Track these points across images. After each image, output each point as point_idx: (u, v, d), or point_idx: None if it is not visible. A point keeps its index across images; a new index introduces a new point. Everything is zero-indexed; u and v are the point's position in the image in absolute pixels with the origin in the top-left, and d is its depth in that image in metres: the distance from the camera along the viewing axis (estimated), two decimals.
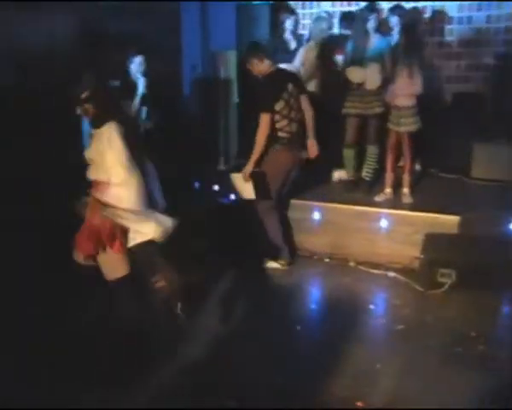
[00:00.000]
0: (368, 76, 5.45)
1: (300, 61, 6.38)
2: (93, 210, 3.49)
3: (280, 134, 4.86)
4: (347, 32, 5.94)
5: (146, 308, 3.78)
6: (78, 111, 3.44)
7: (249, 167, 4.90)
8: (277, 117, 4.81)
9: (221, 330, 3.99)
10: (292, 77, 5.04)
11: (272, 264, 5.11)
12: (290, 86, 4.86)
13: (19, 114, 5.34)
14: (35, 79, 6.39)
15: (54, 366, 3.46)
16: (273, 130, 4.83)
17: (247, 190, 4.98)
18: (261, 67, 4.89)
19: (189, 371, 3.49)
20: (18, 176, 4.83)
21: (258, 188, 4.92)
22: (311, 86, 6.41)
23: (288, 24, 6.72)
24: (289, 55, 6.75)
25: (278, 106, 4.79)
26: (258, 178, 4.91)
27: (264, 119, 4.75)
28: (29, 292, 4.14)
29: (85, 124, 6.71)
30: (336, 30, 6.62)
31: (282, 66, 5.24)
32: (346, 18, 6.18)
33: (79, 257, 3.61)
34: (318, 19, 6.54)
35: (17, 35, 6.22)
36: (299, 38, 6.96)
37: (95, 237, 3.50)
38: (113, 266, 3.58)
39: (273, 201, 5.03)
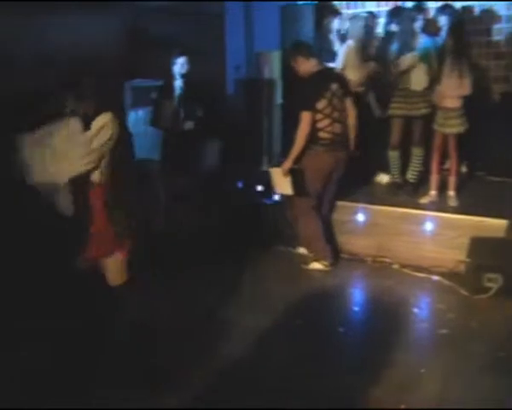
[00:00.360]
0: (413, 77, 5.39)
1: (341, 62, 6.37)
2: (97, 214, 3.33)
3: (321, 134, 4.82)
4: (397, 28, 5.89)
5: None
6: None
7: (288, 164, 4.88)
8: (319, 116, 4.77)
9: (263, 330, 4.01)
10: (337, 77, 5.02)
11: (315, 265, 5.10)
12: (334, 86, 4.82)
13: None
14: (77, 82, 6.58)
15: (92, 368, 3.48)
16: (315, 129, 4.78)
17: (285, 186, 4.97)
18: (306, 65, 4.87)
19: (230, 370, 3.52)
20: None
21: (296, 186, 4.90)
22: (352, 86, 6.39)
23: (334, 24, 6.70)
24: (334, 56, 6.74)
25: (320, 105, 4.75)
26: (297, 176, 4.88)
27: (305, 117, 4.72)
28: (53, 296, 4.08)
29: None
30: (382, 28, 6.54)
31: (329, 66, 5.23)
32: (395, 14, 6.11)
33: (82, 262, 3.43)
34: (355, 17, 6.50)
35: (59, 38, 6.40)
36: (343, 39, 6.92)
37: (100, 242, 3.35)
38: (120, 270, 3.45)
39: (312, 201, 4.99)
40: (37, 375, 3.40)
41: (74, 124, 3.22)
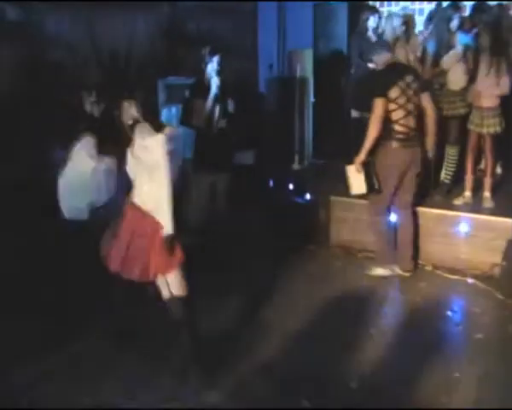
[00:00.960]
0: (451, 76, 5.33)
1: None
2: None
3: (396, 127, 4.56)
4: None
5: None
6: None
7: (362, 156, 4.62)
8: (392, 106, 4.52)
9: (296, 329, 4.01)
10: (412, 71, 4.80)
11: (378, 271, 4.92)
12: (409, 78, 4.57)
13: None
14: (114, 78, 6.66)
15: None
16: (388, 121, 4.54)
17: (358, 183, 4.70)
18: (381, 58, 4.71)
19: (265, 370, 3.53)
20: None
21: (370, 183, 4.66)
22: None
23: (371, 22, 6.65)
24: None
25: (393, 93, 4.50)
26: (371, 172, 4.65)
27: (377, 103, 4.49)
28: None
29: None
30: (420, 28, 6.45)
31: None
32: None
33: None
34: (390, 16, 6.43)
35: (98, 35, 6.50)
36: (380, 37, 6.86)
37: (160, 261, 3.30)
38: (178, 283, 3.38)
39: (386, 202, 4.80)
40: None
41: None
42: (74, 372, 3.52)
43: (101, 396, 3.27)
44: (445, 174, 5.66)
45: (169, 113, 6.89)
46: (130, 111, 3.28)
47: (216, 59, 4.97)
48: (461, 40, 5.30)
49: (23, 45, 5.85)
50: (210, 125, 4.89)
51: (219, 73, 4.95)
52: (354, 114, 6.88)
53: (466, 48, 5.25)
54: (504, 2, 6.64)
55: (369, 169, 4.66)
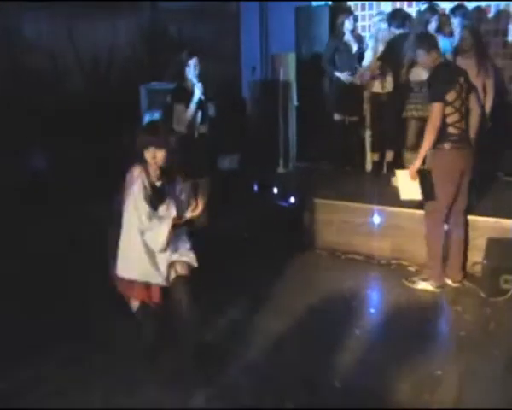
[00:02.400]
0: None
1: (368, 63, 6.43)
2: None
3: (451, 130, 4.40)
4: (399, 30, 5.88)
5: None
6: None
7: (418, 162, 4.42)
8: (449, 109, 4.36)
9: (280, 330, 4.03)
10: (462, 71, 4.62)
11: (422, 284, 4.72)
12: (461, 79, 4.47)
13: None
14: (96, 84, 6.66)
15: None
16: (444, 124, 4.37)
17: (412, 190, 4.48)
18: (428, 58, 4.55)
19: (250, 371, 3.55)
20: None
21: (426, 189, 4.46)
22: (376, 87, 6.43)
23: (347, 25, 6.70)
24: (351, 57, 6.76)
25: (450, 97, 4.34)
26: (426, 178, 4.45)
27: (435, 109, 4.32)
28: None
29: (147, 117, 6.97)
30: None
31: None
32: (396, 16, 6.11)
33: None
34: (380, 21, 6.50)
35: (79, 40, 6.49)
36: (359, 40, 6.93)
37: None
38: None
39: (444, 210, 4.57)
40: None
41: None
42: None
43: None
44: None
45: (151, 117, 6.89)
46: None
47: (192, 62, 4.94)
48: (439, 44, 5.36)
49: (1, 51, 5.82)
50: (192, 131, 4.90)
51: (198, 77, 4.93)
52: (336, 116, 6.95)
53: (443, 51, 5.28)
54: (483, 4, 6.76)
55: (425, 175, 4.47)
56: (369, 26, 7.58)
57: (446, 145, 4.41)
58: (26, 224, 5.45)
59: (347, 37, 6.75)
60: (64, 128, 6.11)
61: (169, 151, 3.41)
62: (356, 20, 6.83)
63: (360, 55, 6.77)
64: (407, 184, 4.50)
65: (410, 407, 3.16)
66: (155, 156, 3.37)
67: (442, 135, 4.39)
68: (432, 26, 5.40)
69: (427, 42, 4.59)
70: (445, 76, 4.44)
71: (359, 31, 7.35)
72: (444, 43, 5.39)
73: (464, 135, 4.48)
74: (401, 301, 4.53)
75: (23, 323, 4.10)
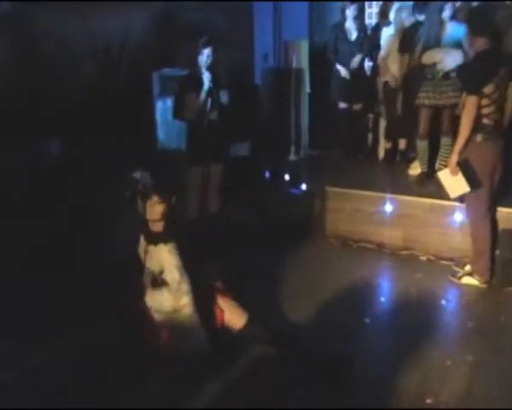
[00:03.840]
0: (444, 56, 5.28)
1: (384, 51, 6.36)
2: None
3: (485, 121, 4.26)
4: (422, 17, 5.81)
5: None
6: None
7: (454, 157, 4.32)
8: (485, 101, 4.19)
9: (291, 318, 4.03)
10: (505, 60, 4.41)
11: (469, 280, 4.58)
12: (503, 70, 4.26)
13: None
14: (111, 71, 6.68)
15: None
16: (478, 116, 4.22)
17: (459, 185, 4.35)
18: (476, 42, 4.30)
19: (261, 358, 3.53)
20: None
21: (470, 181, 4.31)
22: (390, 76, 6.38)
23: (349, 12, 6.63)
24: (351, 44, 6.70)
25: (488, 89, 4.17)
26: (468, 169, 4.30)
27: (471, 102, 4.16)
28: None
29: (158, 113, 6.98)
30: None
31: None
32: (420, 3, 6.03)
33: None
34: (399, 9, 6.42)
35: (93, 30, 6.50)
36: (361, 28, 6.84)
37: None
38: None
39: (486, 203, 4.44)
40: None
41: None
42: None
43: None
44: (439, 164, 5.67)
45: (164, 105, 6.89)
46: None
47: (206, 51, 4.93)
48: (453, 31, 5.30)
49: (15, 38, 5.85)
50: (201, 118, 4.89)
51: (210, 66, 4.93)
52: (341, 105, 6.92)
53: (458, 39, 5.20)
54: None
55: (465, 167, 4.31)
56: (376, 13, 7.52)
57: (478, 137, 4.28)
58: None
59: (348, 24, 6.69)
60: (77, 116, 6.12)
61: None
62: (361, 8, 6.74)
63: (361, 43, 6.74)
64: (452, 182, 4.40)
65: (416, 398, 3.15)
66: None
67: (476, 127, 4.25)
68: (446, 14, 5.31)
69: (481, 24, 4.33)
70: (485, 66, 4.23)
71: (366, 19, 7.24)
72: (458, 30, 5.31)
73: (498, 127, 4.35)
74: (412, 291, 4.50)
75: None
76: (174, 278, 3.42)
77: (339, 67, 6.75)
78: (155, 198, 3.40)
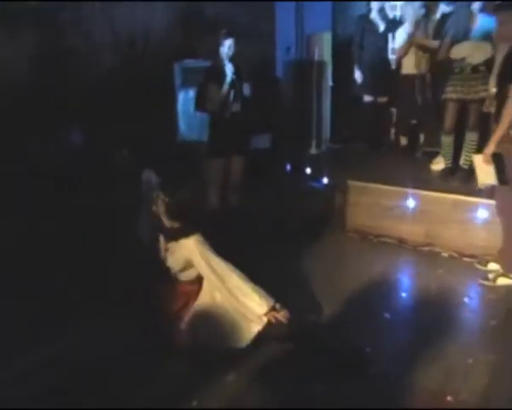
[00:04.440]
0: (473, 50, 5.19)
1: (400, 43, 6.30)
2: None
3: None
4: (449, 8, 5.74)
5: None
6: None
7: (491, 146, 4.24)
8: None
9: (310, 313, 4.00)
10: None
11: (502, 280, 4.46)
12: None
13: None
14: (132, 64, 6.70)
15: None
16: None
17: (488, 175, 4.33)
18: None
19: (279, 349, 3.53)
20: None
21: (500, 173, 4.25)
22: (408, 68, 6.31)
23: (374, 3, 6.58)
24: (377, 37, 6.64)
25: None
26: (501, 162, 4.24)
27: None
28: None
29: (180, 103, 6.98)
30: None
31: None
32: None
33: None
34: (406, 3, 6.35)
35: (117, 23, 6.52)
36: (388, 19, 6.77)
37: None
38: None
39: None
40: None
41: None
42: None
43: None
44: (465, 160, 5.59)
45: (186, 96, 6.90)
46: None
47: (228, 43, 4.90)
48: (483, 23, 5.19)
49: (40, 31, 5.89)
50: (224, 110, 4.89)
51: (231, 58, 4.91)
52: (367, 98, 6.85)
53: (488, 31, 5.10)
54: None
55: (500, 159, 4.25)
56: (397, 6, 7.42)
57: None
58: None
59: (373, 15, 6.63)
60: (99, 105, 6.14)
61: None
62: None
63: (386, 35, 6.67)
64: (483, 169, 4.37)
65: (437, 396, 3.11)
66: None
67: None
68: (475, 6, 5.21)
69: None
70: None
71: (388, 10, 7.16)
72: (488, 22, 5.19)
73: None
74: (434, 288, 4.44)
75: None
76: (203, 270, 3.48)
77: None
78: (162, 196, 3.44)
